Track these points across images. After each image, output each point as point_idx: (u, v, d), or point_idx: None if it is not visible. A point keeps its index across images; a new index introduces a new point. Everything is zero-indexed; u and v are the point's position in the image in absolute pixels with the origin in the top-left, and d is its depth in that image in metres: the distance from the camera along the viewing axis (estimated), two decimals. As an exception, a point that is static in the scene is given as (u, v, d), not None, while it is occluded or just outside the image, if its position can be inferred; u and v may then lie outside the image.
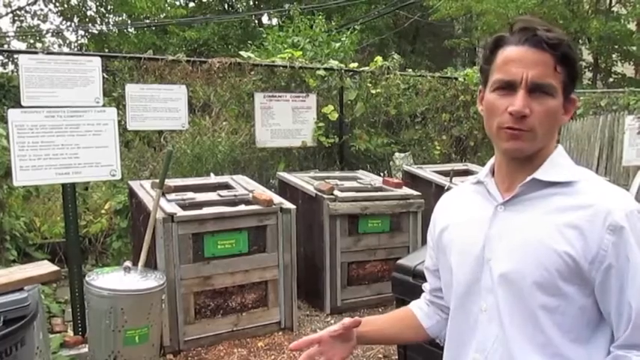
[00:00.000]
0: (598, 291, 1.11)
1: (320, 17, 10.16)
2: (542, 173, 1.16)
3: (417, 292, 2.59)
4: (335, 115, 6.02)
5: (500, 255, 1.18)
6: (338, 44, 9.08)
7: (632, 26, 13.66)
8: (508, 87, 1.13)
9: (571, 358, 1.12)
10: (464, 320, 1.26)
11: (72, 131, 3.69)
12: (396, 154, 6.54)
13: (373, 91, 6.35)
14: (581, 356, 1.12)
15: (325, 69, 6.11)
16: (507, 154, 1.20)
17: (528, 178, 1.16)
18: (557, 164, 1.18)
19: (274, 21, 17.18)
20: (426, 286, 1.51)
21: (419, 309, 1.49)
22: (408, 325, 1.47)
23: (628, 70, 15.14)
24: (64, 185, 3.79)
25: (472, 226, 1.25)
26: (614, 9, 13.80)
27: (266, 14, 19.73)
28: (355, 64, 6.66)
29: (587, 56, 15.00)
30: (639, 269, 1.08)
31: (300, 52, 6.77)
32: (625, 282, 1.08)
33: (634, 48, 13.95)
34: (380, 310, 4.62)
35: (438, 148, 6.91)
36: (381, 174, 6.28)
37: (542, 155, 1.18)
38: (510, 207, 1.19)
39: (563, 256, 1.09)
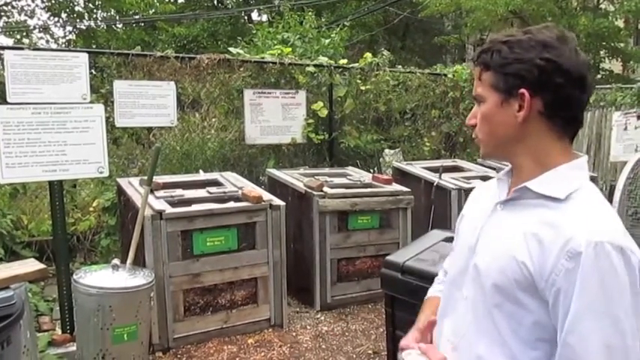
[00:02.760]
0: (551, 313, 1.09)
1: (310, 14, 10.15)
2: (534, 183, 1.17)
3: (405, 288, 2.61)
4: (324, 112, 6.01)
5: (481, 251, 1.23)
6: (328, 41, 9.07)
7: (620, 23, 13.76)
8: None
9: None
10: (449, 302, 1.32)
11: (59, 128, 3.65)
12: (386, 150, 6.56)
13: (363, 88, 6.35)
14: None
15: (315, 65, 6.11)
16: None
17: (520, 185, 1.20)
18: (559, 177, 1.16)
19: (264, 17, 17.13)
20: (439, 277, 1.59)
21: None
22: None
23: (615, 66, 15.26)
24: (51, 182, 3.76)
25: (475, 219, 1.31)
26: (602, 6, 13.91)
27: (256, 10, 19.65)
28: (345, 61, 6.65)
29: (576, 53, 15.07)
30: (581, 306, 1.03)
31: (290, 49, 6.76)
32: (567, 311, 1.05)
33: (622, 45, 14.05)
34: (369, 306, 4.64)
35: (428, 144, 6.93)
36: (371, 170, 6.28)
37: (539, 160, 1.19)
38: (506, 208, 1.24)
39: (521, 267, 1.11)
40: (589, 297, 1.03)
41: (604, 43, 13.69)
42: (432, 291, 1.57)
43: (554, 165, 1.18)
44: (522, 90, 1.16)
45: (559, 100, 1.15)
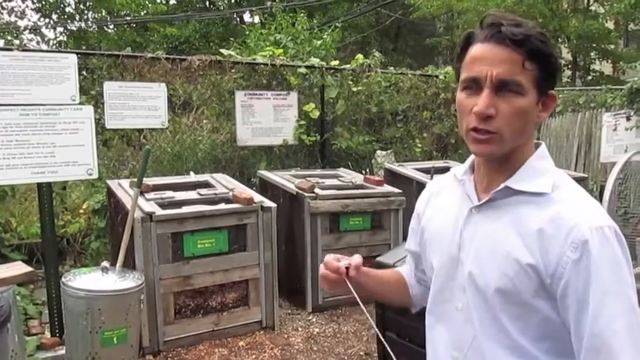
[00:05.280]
0: (560, 307, 1.08)
1: (302, 15, 10.14)
2: (515, 181, 1.13)
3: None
4: (316, 113, 6.01)
5: (470, 258, 1.18)
6: (319, 42, 9.07)
7: (610, 25, 13.86)
8: (475, 86, 1.10)
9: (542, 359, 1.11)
10: (439, 318, 1.27)
11: (47, 129, 3.62)
12: (378, 151, 6.56)
13: (354, 89, 6.35)
14: None
15: (306, 67, 6.11)
16: (478, 157, 1.19)
17: (501, 186, 1.14)
18: (534, 170, 1.14)
19: (256, 18, 17.10)
20: (408, 262, 1.51)
21: (407, 276, 1.49)
22: (398, 286, 1.47)
23: (606, 68, 15.37)
24: (39, 185, 3.73)
25: (449, 226, 1.24)
26: (592, 8, 13.99)
27: (248, 12, 19.63)
28: (336, 62, 6.65)
29: (567, 54, 15.19)
30: (599, 291, 1.03)
31: (281, 50, 6.76)
32: (584, 304, 1.04)
33: (612, 46, 14.16)
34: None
35: (420, 145, 6.94)
36: (363, 172, 6.29)
37: (520, 157, 1.15)
38: (483, 211, 1.18)
39: (526, 268, 1.08)
40: (603, 282, 1.03)
41: (594, 45, 13.79)
42: (403, 270, 1.52)
43: (525, 159, 1.16)
44: (553, 92, 1.14)
45: None
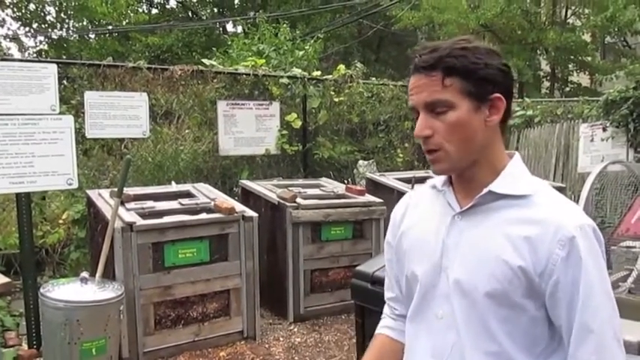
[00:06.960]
0: (548, 304, 1.12)
1: (285, 25, 10.19)
2: (497, 186, 1.17)
3: (375, 298, 2.62)
4: (298, 123, 6.05)
5: (456, 264, 1.19)
6: (302, 52, 9.12)
7: (587, 37, 14.14)
8: (416, 114, 1.20)
9: None
10: (419, 326, 1.28)
11: (27, 139, 3.60)
12: (360, 161, 6.60)
13: (336, 99, 6.41)
14: None
15: (288, 77, 6.14)
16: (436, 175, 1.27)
17: (485, 191, 1.18)
18: (513, 176, 1.19)
19: (239, 28, 17.14)
20: (389, 298, 1.47)
21: (390, 329, 1.45)
22: (392, 353, 1.42)
23: (583, 79, 15.65)
24: (18, 195, 3.70)
25: (431, 234, 1.25)
26: (570, 20, 14.27)
27: (231, 21, 19.66)
28: (318, 73, 6.70)
29: (545, 66, 15.46)
30: (588, 284, 1.09)
31: (264, 60, 6.79)
32: (574, 296, 1.09)
33: (589, 58, 14.43)
34: (343, 317, 4.64)
35: (401, 155, 7.01)
36: (345, 182, 6.32)
37: (494, 165, 1.19)
38: (467, 217, 1.21)
39: (515, 269, 1.11)
40: (590, 276, 1.09)
41: (572, 57, 14.05)
42: (380, 327, 1.48)
43: (502, 166, 1.21)
44: (497, 95, 1.17)
45: (511, 103, 1.21)
